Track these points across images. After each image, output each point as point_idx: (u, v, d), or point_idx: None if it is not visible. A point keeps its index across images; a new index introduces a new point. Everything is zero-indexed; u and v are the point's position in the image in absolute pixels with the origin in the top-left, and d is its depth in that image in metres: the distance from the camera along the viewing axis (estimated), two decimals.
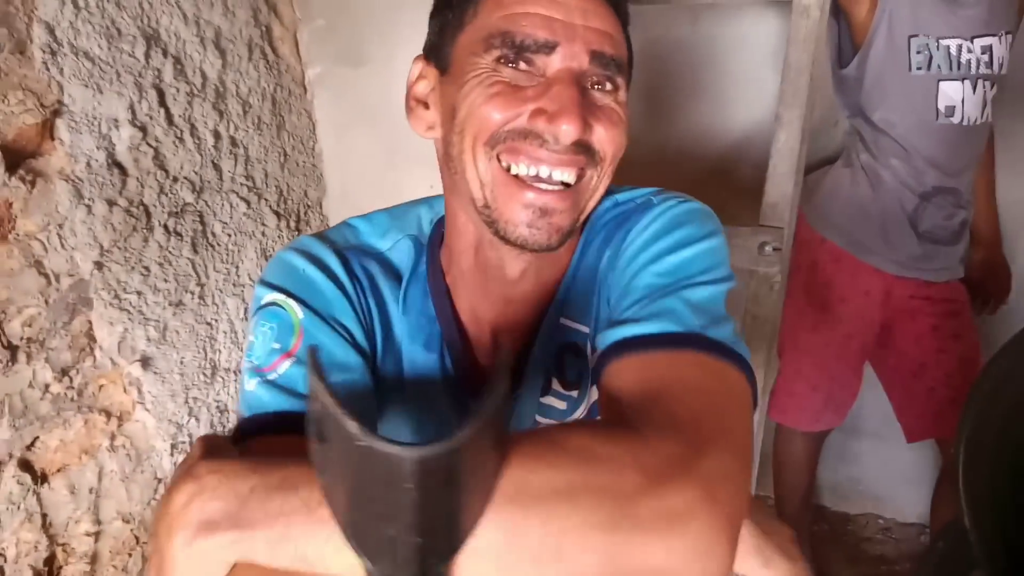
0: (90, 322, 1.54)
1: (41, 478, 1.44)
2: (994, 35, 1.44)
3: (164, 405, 1.72)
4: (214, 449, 0.58)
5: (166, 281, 1.73)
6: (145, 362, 1.66)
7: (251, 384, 0.69)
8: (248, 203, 1.99)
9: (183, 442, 1.78)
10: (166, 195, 1.72)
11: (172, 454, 1.75)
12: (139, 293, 1.66)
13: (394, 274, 0.81)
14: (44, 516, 1.43)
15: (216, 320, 1.92)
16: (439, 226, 0.83)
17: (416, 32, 2.10)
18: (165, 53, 1.70)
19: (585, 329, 0.79)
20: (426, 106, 0.78)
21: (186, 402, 1.79)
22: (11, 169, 1.36)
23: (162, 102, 1.70)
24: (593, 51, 0.68)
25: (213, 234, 1.88)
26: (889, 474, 2.12)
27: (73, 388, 1.50)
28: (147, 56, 1.64)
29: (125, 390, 1.63)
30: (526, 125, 0.67)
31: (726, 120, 1.88)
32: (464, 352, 0.80)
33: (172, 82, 1.72)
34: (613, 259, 0.77)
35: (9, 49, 1.35)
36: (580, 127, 0.66)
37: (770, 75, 1.77)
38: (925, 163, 1.51)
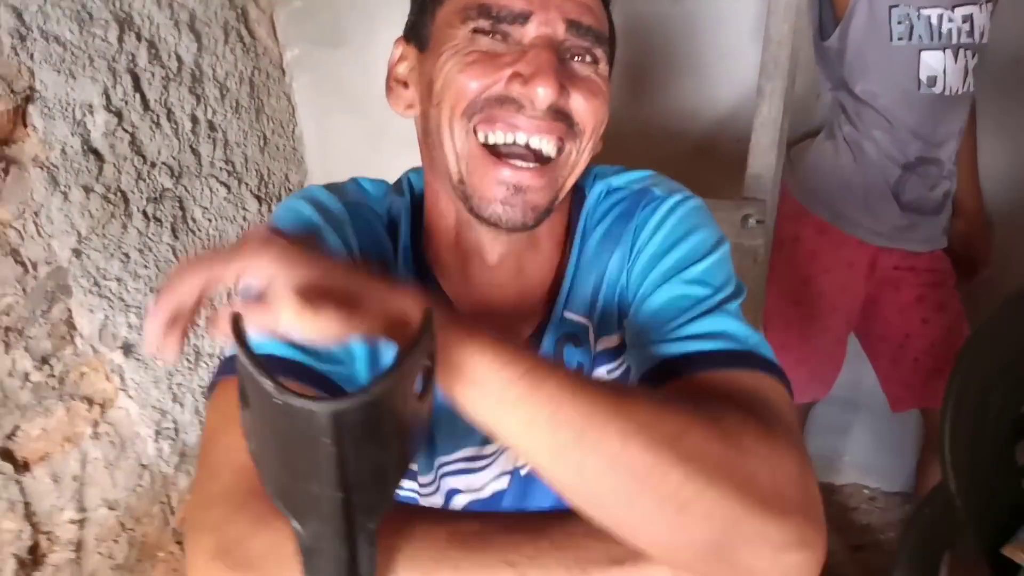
0: (70, 310, 1.52)
1: (23, 467, 1.42)
2: (974, 4, 1.44)
3: (147, 392, 1.71)
4: None
5: (146, 267, 1.72)
6: (127, 349, 1.65)
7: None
8: (228, 188, 1.97)
9: (167, 428, 1.77)
10: (144, 181, 1.70)
11: (156, 440, 1.73)
12: (119, 280, 1.64)
13: (394, 236, 0.80)
14: (27, 505, 1.42)
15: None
16: (420, 201, 0.82)
17: (394, 11, 2.07)
18: (139, 37, 1.67)
19: (585, 322, 0.79)
20: (405, 85, 0.77)
21: (170, 388, 1.78)
22: None
23: (137, 87, 1.67)
24: (569, 20, 0.67)
25: (193, 219, 1.86)
26: (874, 444, 2.14)
27: (54, 376, 1.48)
28: (120, 40, 1.62)
29: (107, 377, 1.62)
30: (502, 91, 0.67)
31: (709, 95, 1.87)
32: None
33: (147, 66, 1.69)
34: (624, 261, 0.77)
35: None
36: (556, 89, 0.65)
37: (752, 49, 1.77)
38: (908, 134, 1.51)
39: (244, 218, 2.04)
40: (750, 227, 1.13)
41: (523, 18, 0.67)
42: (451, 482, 0.81)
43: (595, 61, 0.71)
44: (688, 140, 1.92)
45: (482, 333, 0.51)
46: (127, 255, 1.66)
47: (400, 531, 0.52)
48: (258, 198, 2.09)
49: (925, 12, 1.43)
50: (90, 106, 1.56)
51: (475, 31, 0.68)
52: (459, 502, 0.82)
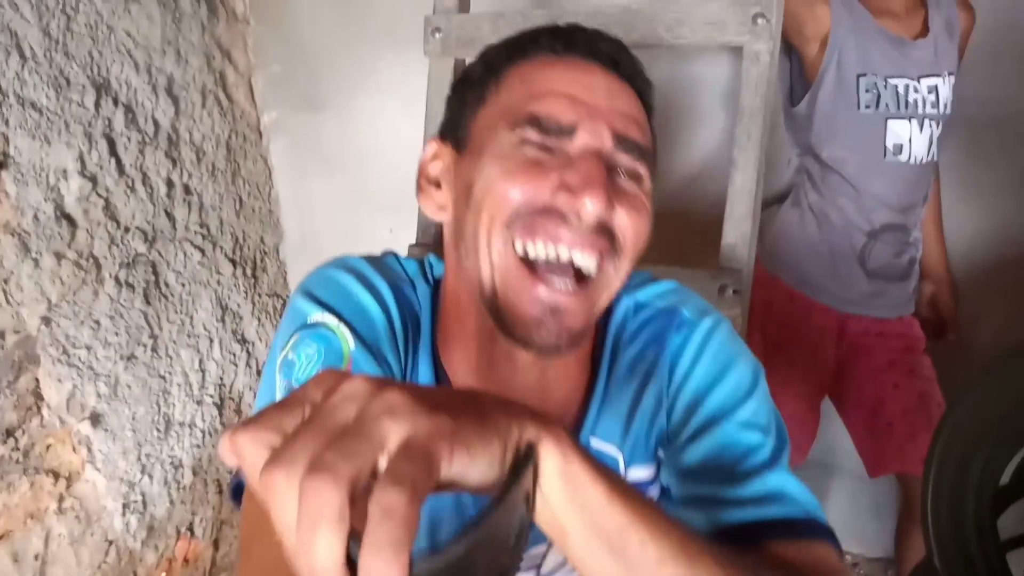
0: (37, 380, 1.48)
1: None
2: (939, 75, 1.48)
3: (115, 463, 1.66)
4: None
5: (117, 334, 1.68)
6: (95, 419, 1.61)
7: None
8: (202, 251, 1.96)
9: (135, 501, 1.71)
10: (117, 246, 1.68)
11: (124, 514, 1.68)
12: (89, 348, 1.61)
13: (416, 327, 0.76)
14: None
15: (170, 373, 1.86)
16: (439, 292, 0.77)
17: (373, 77, 2.09)
18: (116, 102, 1.67)
19: (615, 452, 0.74)
20: (438, 186, 0.74)
21: (139, 459, 1.73)
22: None
23: (113, 151, 1.66)
24: (617, 133, 0.66)
25: (166, 284, 1.84)
26: (854, 509, 2.12)
27: (19, 450, 1.44)
28: (97, 105, 1.61)
29: (74, 449, 1.57)
30: (548, 201, 0.63)
31: (682, 160, 1.90)
32: None
33: (123, 131, 1.69)
34: (663, 395, 0.74)
35: None
36: (605, 201, 0.62)
37: (725, 114, 1.80)
38: (874, 201, 1.53)
39: (218, 282, 2.02)
40: (727, 297, 1.14)
41: (570, 130, 0.65)
42: None
43: (639, 178, 0.69)
44: (663, 204, 1.93)
45: (579, 451, 0.46)
46: (98, 322, 1.63)
47: None
48: (233, 261, 2.07)
49: (892, 82, 1.47)
50: (64, 171, 1.55)
51: (520, 140, 0.65)
52: None
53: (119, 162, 1.68)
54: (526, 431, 0.43)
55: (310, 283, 0.72)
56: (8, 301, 1.42)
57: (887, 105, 1.48)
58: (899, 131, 1.49)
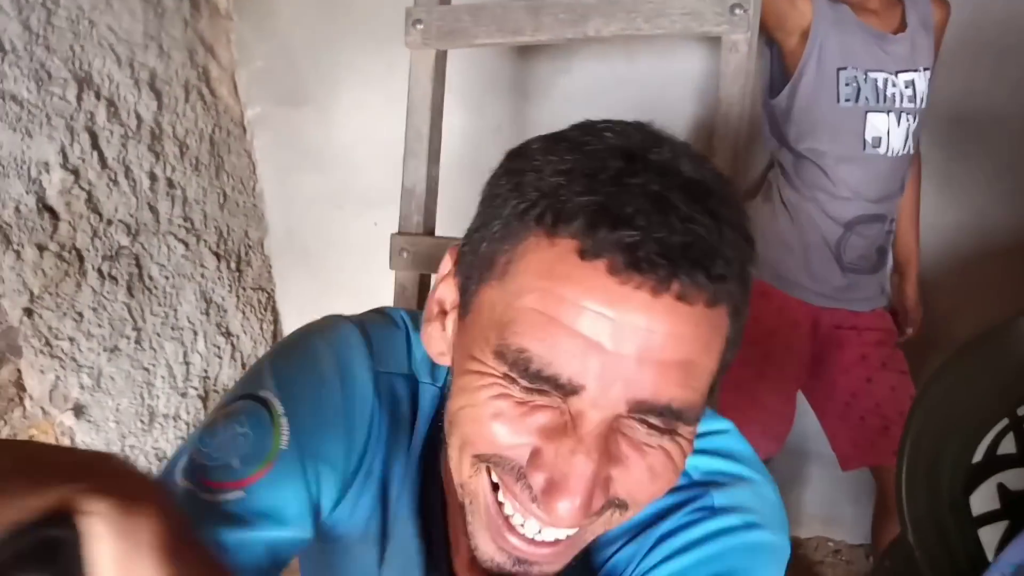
0: (19, 371, 1.48)
1: None
2: (915, 70, 1.51)
3: None
4: None
5: (100, 326, 1.68)
6: (78, 410, 1.61)
7: (179, 478, 0.56)
8: (186, 245, 1.96)
9: None
10: (100, 239, 1.68)
11: None
12: (71, 339, 1.61)
13: (411, 429, 0.66)
14: None
15: (154, 365, 1.86)
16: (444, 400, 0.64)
17: (355, 72, 2.10)
18: (98, 95, 1.67)
19: None
20: (444, 325, 0.60)
21: (122, 451, 1.73)
22: None
23: (95, 145, 1.66)
24: (637, 401, 0.48)
25: (150, 277, 1.84)
26: (837, 496, 2.15)
27: None
28: (79, 99, 1.61)
29: (57, 440, 1.57)
30: (522, 465, 0.51)
31: None
32: (440, 543, 0.65)
33: (105, 124, 1.69)
34: (634, 561, 0.61)
35: None
36: (582, 513, 0.49)
37: (702, 109, 1.82)
38: (851, 192, 1.56)
39: (202, 275, 2.02)
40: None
41: (569, 391, 0.48)
42: None
43: (673, 432, 0.51)
44: None
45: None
46: (80, 314, 1.63)
47: None
48: (217, 255, 2.07)
49: (872, 76, 1.49)
50: (46, 164, 1.55)
51: (507, 376, 0.50)
52: None
53: (101, 155, 1.68)
54: (74, 481, 0.33)
55: (289, 350, 0.64)
56: None
57: (867, 98, 1.50)
58: (878, 124, 1.51)
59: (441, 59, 1.27)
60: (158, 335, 1.87)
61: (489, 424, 0.51)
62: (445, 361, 0.60)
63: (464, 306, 0.56)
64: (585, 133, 0.54)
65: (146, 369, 1.84)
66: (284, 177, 2.24)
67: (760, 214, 1.66)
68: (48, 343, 1.55)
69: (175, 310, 1.92)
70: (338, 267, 2.22)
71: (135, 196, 1.78)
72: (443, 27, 1.23)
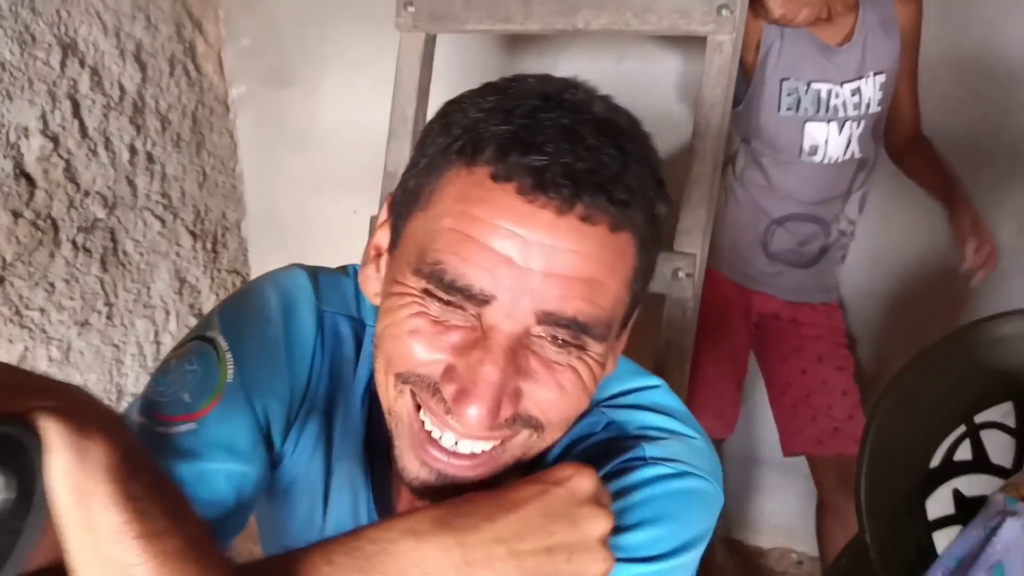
0: None
1: None
2: (861, 78, 1.55)
3: None
4: None
5: (72, 299, 1.67)
6: None
7: (135, 415, 0.59)
8: (163, 222, 1.94)
9: None
10: (76, 209, 1.67)
11: None
12: (42, 310, 1.59)
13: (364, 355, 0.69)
14: None
15: (124, 342, 1.85)
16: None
17: (341, 55, 2.10)
18: (82, 63, 1.65)
19: None
20: (378, 267, 0.63)
21: None
22: None
23: (76, 113, 1.65)
24: (545, 312, 0.52)
25: (124, 252, 1.82)
26: (800, 508, 2.17)
27: None
28: (63, 65, 1.60)
29: None
30: (437, 380, 0.54)
31: None
32: (383, 472, 0.69)
33: (88, 93, 1.67)
34: None
35: None
36: (490, 418, 0.52)
37: (684, 108, 1.84)
38: (784, 193, 1.62)
39: (177, 254, 2.01)
40: (680, 280, 1.17)
41: (481, 300, 0.52)
42: None
43: (581, 348, 0.55)
44: None
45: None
46: (52, 285, 1.62)
47: None
48: (193, 234, 2.06)
49: (815, 87, 1.54)
50: (26, 129, 1.53)
51: (426, 291, 0.54)
52: None
53: (82, 124, 1.67)
54: (26, 399, 0.37)
55: (240, 293, 0.68)
56: None
57: (806, 109, 1.55)
58: (815, 133, 1.56)
59: (430, 43, 1.27)
60: (130, 312, 1.85)
61: (407, 341, 0.55)
62: (380, 301, 0.63)
63: (393, 241, 0.60)
64: (511, 80, 0.59)
65: (116, 346, 1.82)
66: (265, 158, 2.22)
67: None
68: (18, 312, 1.53)
69: (148, 288, 1.91)
70: (315, 252, 2.20)
71: (114, 168, 1.77)
72: (434, 11, 1.24)
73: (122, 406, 1.83)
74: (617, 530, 0.56)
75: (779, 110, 1.54)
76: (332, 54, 2.03)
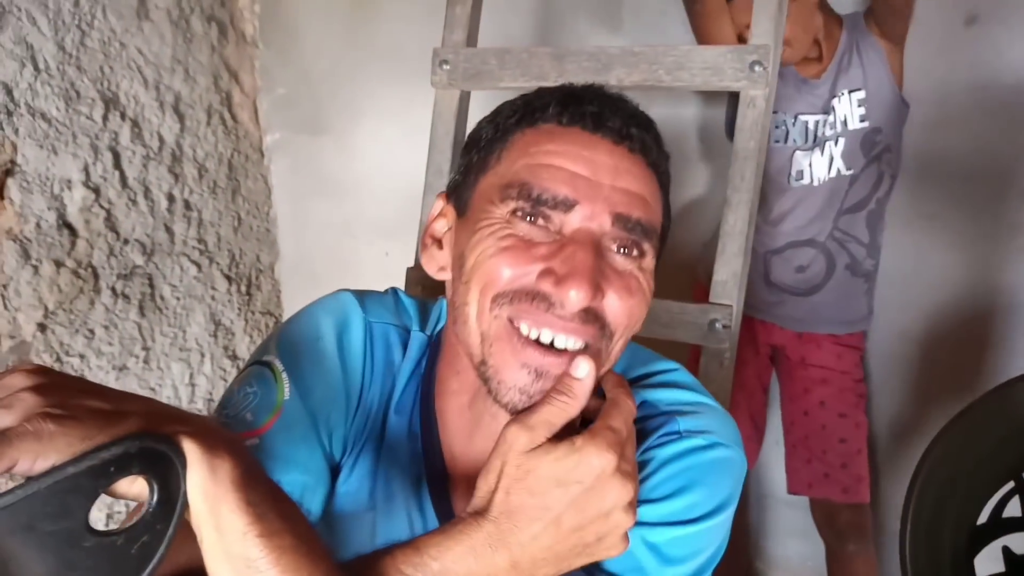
0: None
1: None
2: (834, 97, 1.56)
3: None
4: None
5: (110, 344, 1.70)
6: None
7: None
8: (199, 266, 1.97)
9: (119, 512, 1.71)
10: (116, 257, 1.70)
11: (107, 524, 1.68)
12: (82, 356, 1.62)
13: (409, 359, 0.76)
14: None
15: (160, 385, 1.87)
16: (440, 340, 0.76)
17: (374, 103, 2.13)
18: (123, 116, 1.70)
19: None
20: (440, 245, 0.72)
21: None
22: None
23: (117, 164, 1.69)
24: (617, 214, 0.62)
25: (162, 297, 1.86)
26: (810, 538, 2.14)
27: None
28: (105, 119, 1.64)
29: None
30: (534, 285, 0.61)
31: (677, 198, 1.94)
32: (441, 483, 0.74)
33: (128, 144, 1.72)
34: None
35: None
36: (589, 293, 0.60)
37: (716, 156, 1.85)
38: (777, 219, 1.65)
39: (213, 297, 2.04)
40: (717, 331, 1.16)
41: (567, 206, 0.62)
42: None
43: (640, 255, 0.65)
44: None
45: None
46: (92, 331, 1.64)
47: None
48: (228, 278, 2.09)
49: (802, 118, 1.59)
50: (69, 181, 1.57)
51: (515, 212, 0.63)
52: None
53: (123, 175, 1.71)
54: (170, 424, 0.45)
55: (292, 319, 0.73)
56: (6, 306, 1.43)
57: (795, 140, 1.60)
58: (802, 160, 1.61)
59: (465, 99, 1.29)
60: (166, 355, 1.88)
61: (501, 258, 0.62)
62: (444, 275, 0.72)
63: (462, 209, 0.69)
64: (536, 90, 0.72)
65: (152, 389, 1.84)
66: (299, 204, 2.26)
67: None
68: (59, 359, 1.56)
69: (184, 331, 1.93)
70: None
71: (152, 216, 1.80)
72: (469, 69, 1.26)
73: None
74: (658, 499, 0.64)
75: (769, 142, 1.56)
76: (365, 104, 2.07)
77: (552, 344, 0.61)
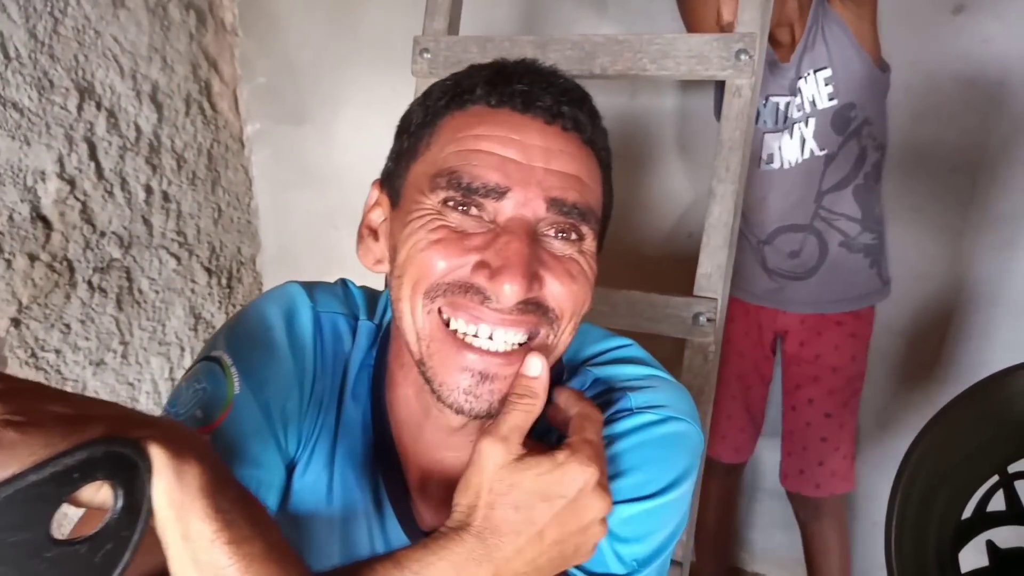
0: None
1: None
2: (800, 78, 1.55)
3: None
4: None
5: (87, 339, 1.66)
6: None
7: None
8: (178, 259, 1.94)
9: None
10: (92, 250, 1.67)
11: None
12: (58, 351, 1.59)
13: (358, 348, 0.74)
14: None
15: (139, 380, 1.84)
16: (388, 331, 0.74)
17: (357, 93, 2.11)
18: (99, 106, 1.66)
19: None
20: (376, 237, 0.70)
21: None
22: None
23: (93, 155, 1.65)
24: (552, 198, 0.60)
25: (140, 291, 1.82)
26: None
27: None
28: (79, 109, 1.61)
29: None
30: (468, 278, 0.60)
31: (662, 189, 1.92)
32: (395, 474, 0.73)
33: (104, 135, 1.68)
34: None
35: None
36: (524, 286, 0.58)
37: (704, 147, 1.83)
38: (757, 204, 1.64)
39: (192, 290, 2.01)
40: (701, 325, 1.15)
41: (498, 193, 0.59)
42: None
43: (580, 238, 0.63)
44: (643, 232, 1.96)
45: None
46: (68, 326, 1.61)
47: None
48: (208, 270, 2.06)
49: (773, 100, 1.58)
50: (43, 173, 1.54)
51: (445, 202, 0.61)
52: None
53: (99, 166, 1.67)
54: (136, 429, 0.43)
55: (239, 313, 0.72)
56: None
57: (765, 121, 1.59)
58: (771, 143, 1.60)
59: None
60: (145, 350, 1.85)
61: (432, 252, 0.60)
62: (381, 268, 0.69)
63: (395, 199, 0.67)
64: (468, 67, 0.68)
65: (131, 384, 1.81)
66: (280, 194, 2.23)
67: None
68: (34, 354, 1.53)
69: (163, 325, 1.90)
70: None
71: (130, 208, 1.77)
72: (450, 57, 1.23)
73: None
74: (610, 477, 0.62)
75: None
76: (347, 93, 2.04)
77: (491, 337, 0.60)
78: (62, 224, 1.59)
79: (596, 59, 1.17)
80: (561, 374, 0.72)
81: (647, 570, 0.65)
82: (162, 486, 0.43)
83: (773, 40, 1.55)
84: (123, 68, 1.71)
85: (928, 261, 1.76)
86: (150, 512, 0.43)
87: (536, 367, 0.58)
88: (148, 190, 1.82)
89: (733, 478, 1.95)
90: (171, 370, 1.94)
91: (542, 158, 0.61)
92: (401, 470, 0.72)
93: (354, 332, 0.74)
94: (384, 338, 0.74)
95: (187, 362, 2.00)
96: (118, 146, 1.72)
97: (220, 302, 2.11)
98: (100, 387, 1.71)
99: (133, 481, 0.42)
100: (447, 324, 0.61)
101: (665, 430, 0.66)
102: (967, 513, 1.09)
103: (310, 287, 0.74)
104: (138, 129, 1.78)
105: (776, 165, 1.60)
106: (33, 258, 1.52)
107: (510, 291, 0.58)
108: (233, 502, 0.47)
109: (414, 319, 0.62)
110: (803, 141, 1.58)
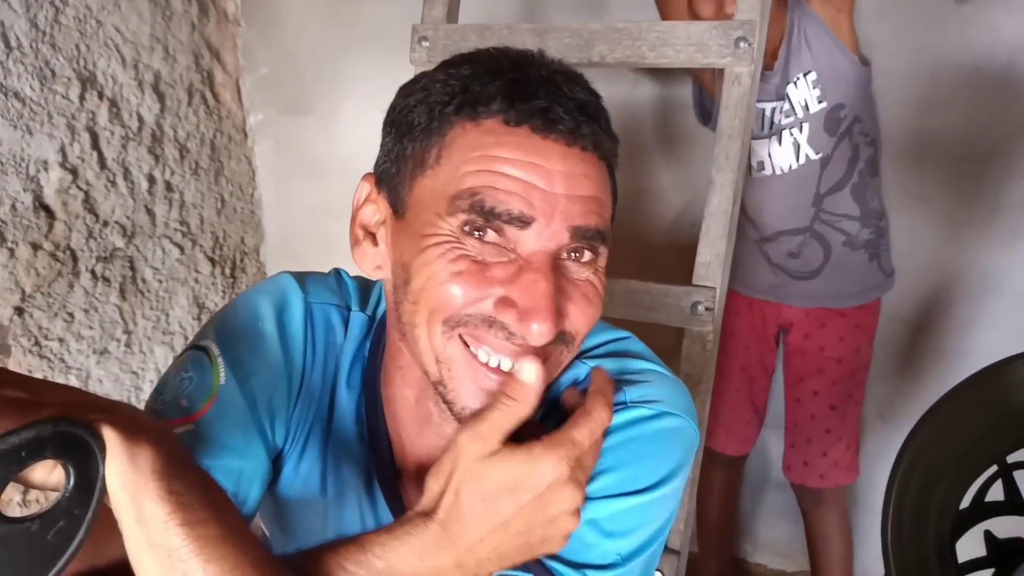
0: None
1: None
2: (788, 83, 1.53)
3: None
4: None
5: (91, 328, 1.67)
6: None
7: None
8: (181, 249, 1.95)
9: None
10: (95, 239, 1.67)
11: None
12: (61, 340, 1.60)
13: (351, 339, 0.74)
14: None
15: (143, 369, 1.85)
16: (382, 325, 0.74)
17: (359, 84, 2.10)
18: (101, 96, 1.66)
19: None
20: (374, 241, 0.67)
21: None
22: None
23: (95, 145, 1.66)
24: (575, 227, 0.59)
25: (143, 280, 1.83)
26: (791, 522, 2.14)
27: None
28: (82, 98, 1.61)
29: None
30: (492, 314, 0.59)
31: (666, 179, 1.92)
32: (389, 470, 0.73)
33: (107, 125, 1.68)
34: None
35: None
36: (553, 328, 0.57)
37: (710, 135, 1.82)
38: (754, 211, 1.63)
39: (196, 280, 2.01)
40: (699, 314, 1.15)
41: (522, 222, 0.58)
42: None
43: (595, 257, 0.62)
44: (647, 221, 1.96)
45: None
46: (71, 315, 1.62)
47: None
48: (212, 260, 2.06)
49: (759, 105, 1.55)
50: (45, 162, 1.54)
51: (464, 226, 0.58)
52: None
53: (101, 156, 1.68)
54: (89, 412, 0.43)
55: (230, 303, 0.71)
56: None
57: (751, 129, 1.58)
58: (759, 150, 1.58)
59: None
60: (148, 339, 1.86)
61: (452, 285, 0.59)
62: (381, 274, 0.67)
63: (398, 208, 0.64)
64: (471, 54, 0.65)
65: (135, 373, 1.82)
66: (283, 185, 2.23)
67: None
68: (37, 343, 1.54)
69: (167, 314, 1.91)
70: None
71: (132, 198, 1.77)
72: (449, 46, 1.23)
73: None
74: (601, 471, 0.62)
75: None
76: (349, 83, 2.03)
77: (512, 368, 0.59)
78: (65, 213, 1.59)
79: (595, 47, 1.17)
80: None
81: (630, 564, 0.64)
82: (116, 468, 0.43)
83: None
84: (125, 58, 1.71)
85: (933, 251, 1.75)
86: (104, 491, 0.43)
87: (531, 373, 0.56)
88: (151, 180, 1.83)
89: (735, 469, 1.95)
90: (174, 359, 1.95)
91: (564, 184, 0.58)
92: (393, 460, 0.72)
93: (346, 324, 0.74)
94: (378, 330, 0.74)
95: None
96: (120, 136, 1.72)
97: (224, 292, 2.12)
98: (104, 376, 1.72)
99: (86, 462, 0.42)
100: (468, 347, 0.61)
101: (658, 425, 0.65)
102: (965, 503, 1.08)
103: (303, 277, 0.73)
104: (140, 119, 1.78)
105: (768, 172, 1.59)
106: (36, 247, 1.53)
107: (539, 331, 0.57)
108: (189, 485, 0.47)
109: (432, 344, 0.61)
110: (797, 147, 1.57)
